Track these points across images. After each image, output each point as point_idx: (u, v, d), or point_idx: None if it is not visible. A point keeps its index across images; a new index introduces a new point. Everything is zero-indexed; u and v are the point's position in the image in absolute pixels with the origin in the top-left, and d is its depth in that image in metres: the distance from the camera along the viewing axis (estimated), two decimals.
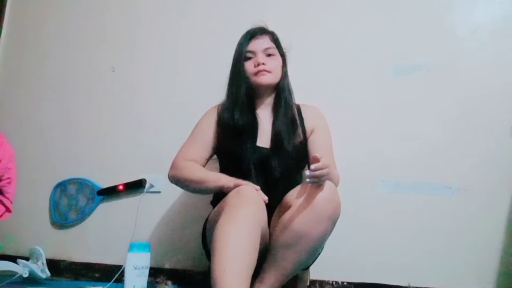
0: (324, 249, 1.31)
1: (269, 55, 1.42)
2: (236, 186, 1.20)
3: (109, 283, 1.50)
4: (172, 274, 1.74)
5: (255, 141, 1.39)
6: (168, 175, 1.44)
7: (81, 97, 2.04)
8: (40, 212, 1.96)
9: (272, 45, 1.44)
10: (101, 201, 1.90)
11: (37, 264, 1.55)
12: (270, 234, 1.25)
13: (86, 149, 1.97)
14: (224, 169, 1.40)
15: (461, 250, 1.55)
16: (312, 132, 1.44)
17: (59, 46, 2.12)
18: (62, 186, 1.96)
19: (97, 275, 1.81)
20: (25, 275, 1.51)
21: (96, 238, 1.88)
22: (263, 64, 1.39)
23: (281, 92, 1.44)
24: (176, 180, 1.41)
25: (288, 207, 1.21)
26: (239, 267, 1.01)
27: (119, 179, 1.87)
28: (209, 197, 1.50)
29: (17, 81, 2.15)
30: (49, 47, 2.13)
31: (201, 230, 1.43)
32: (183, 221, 1.79)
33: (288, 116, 1.41)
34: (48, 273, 1.57)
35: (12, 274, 1.50)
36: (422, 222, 1.59)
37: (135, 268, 1.17)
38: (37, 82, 2.11)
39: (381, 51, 1.74)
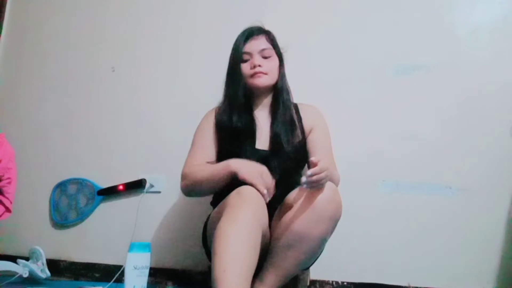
0: (324, 249, 1.31)
1: (265, 57, 1.40)
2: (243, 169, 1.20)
3: (109, 283, 1.50)
4: (172, 274, 1.74)
5: (254, 144, 1.38)
6: (181, 189, 1.38)
7: (81, 97, 2.04)
8: (40, 212, 1.96)
9: (269, 45, 1.43)
10: (101, 201, 1.90)
11: (37, 264, 1.55)
12: (271, 235, 1.25)
13: (86, 149, 1.97)
14: None
15: (461, 250, 1.55)
16: (310, 131, 1.44)
17: (59, 46, 2.12)
18: (62, 186, 1.96)
19: (97, 275, 1.81)
20: (25, 275, 1.51)
21: (96, 238, 1.88)
22: (259, 66, 1.38)
23: (278, 92, 1.43)
24: (189, 188, 1.36)
25: (289, 207, 1.21)
26: (239, 267, 1.01)
27: (119, 179, 1.87)
28: (209, 198, 1.50)
29: (17, 81, 2.15)
30: (49, 47, 2.13)
31: (201, 230, 1.43)
32: (183, 221, 1.79)
33: (287, 117, 1.41)
34: (48, 273, 1.57)
35: (12, 274, 1.50)
36: (422, 222, 1.59)
37: (135, 268, 1.17)
38: (37, 82, 2.11)
39: (381, 51, 1.74)
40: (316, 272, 1.53)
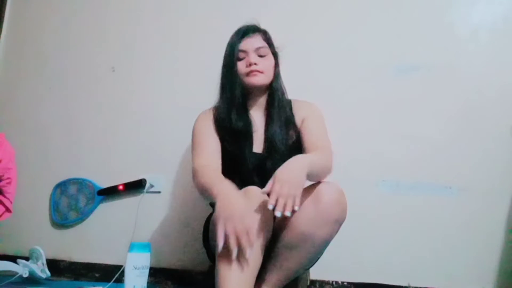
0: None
1: (261, 55, 1.38)
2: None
3: (109, 283, 1.50)
4: (172, 274, 1.74)
5: (252, 147, 1.37)
6: (195, 184, 1.29)
7: (81, 97, 2.04)
8: (40, 212, 1.96)
9: (264, 44, 1.40)
10: (101, 201, 1.90)
11: (37, 264, 1.55)
12: (274, 235, 1.25)
13: (86, 149, 1.97)
14: (222, 172, 1.38)
15: (461, 250, 1.55)
16: (302, 122, 1.40)
17: (59, 46, 2.12)
18: (62, 186, 1.96)
19: (97, 275, 1.82)
20: (25, 275, 1.51)
21: (96, 238, 1.88)
22: (255, 64, 1.35)
23: (274, 92, 1.41)
24: (198, 188, 1.27)
25: None
26: (244, 268, 1.01)
27: (119, 179, 1.87)
28: None
29: (17, 81, 2.15)
30: (49, 47, 2.14)
31: (201, 229, 1.43)
32: (183, 221, 1.79)
33: (282, 118, 1.39)
34: (48, 273, 1.57)
35: (12, 274, 1.50)
36: (422, 222, 1.59)
37: (135, 268, 1.17)
38: (37, 82, 2.12)
39: (381, 51, 1.74)
40: (316, 272, 1.53)
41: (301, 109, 1.44)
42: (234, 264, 1.01)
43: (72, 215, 1.92)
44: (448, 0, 1.74)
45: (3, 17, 2.20)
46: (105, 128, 1.98)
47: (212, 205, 1.38)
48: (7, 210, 1.59)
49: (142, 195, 1.85)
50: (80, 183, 1.94)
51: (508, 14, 1.68)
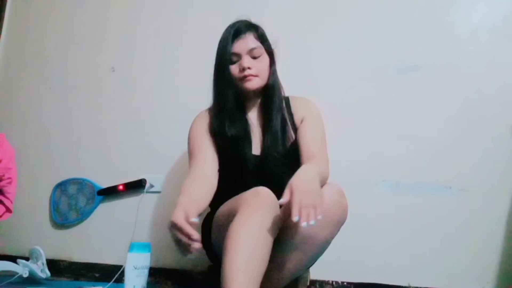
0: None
1: (255, 57, 1.33)
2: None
3: (109, 283, 1.50)
4: (172, 274, 1.74)
5: (251, 149, 1.34)
6: None
7: (81, 97, 2.04)
8: (40, 212, 1.96)
9: (258, 44, 1.34)
10: (101, 201, 1.90)
11: (37, 264, 1.55)
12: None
13: (86, 149, 1.97)
14: (220, 176, 1.37)
15: (461, 250, 1.55)
16: (301, 122, 1.38)
17: (59, 46, 2.12)
18: (62, 186, 1.96)
19: (97, 275, 1.81)
20: (25, 275, 1.51)
21: (96, 238, 1.88)
22: (249, 68, 1.30)
23: (270, 91, 1.37)
24: None
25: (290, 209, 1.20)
26: (251, 268, 0.99)
27: (119, 179, 1.87)
28: None
29: (17, 81, 2.15)
30: (49, 47, 2.14)
31: (201, 229, 1.42)
32: None
33: (279, 118, 1.36)
34: (48, 273, 1.57)
35: (12, 274, 1.50)
36: (422, 222, 1.59)
37: (135, 268, 1.17)
38: (37, 82, 2.12)
39: (381, 51, 1.74)
40: (316, 272, 1.53)
41: (299, 108, 1.41)
42: (245, 265, 0.99)
43: (72, 215, 1.92)
44: (448, 0, 1.74)
45: (3, 17, 2.20)
46: (105, 128, 1.98)
47: (211, 205, 1.38)
48: (8, 210, 1.60)
49: (142, 195, 1.85)
50: (80, 183, 1.94)
51: (508, 14, 1.68)
